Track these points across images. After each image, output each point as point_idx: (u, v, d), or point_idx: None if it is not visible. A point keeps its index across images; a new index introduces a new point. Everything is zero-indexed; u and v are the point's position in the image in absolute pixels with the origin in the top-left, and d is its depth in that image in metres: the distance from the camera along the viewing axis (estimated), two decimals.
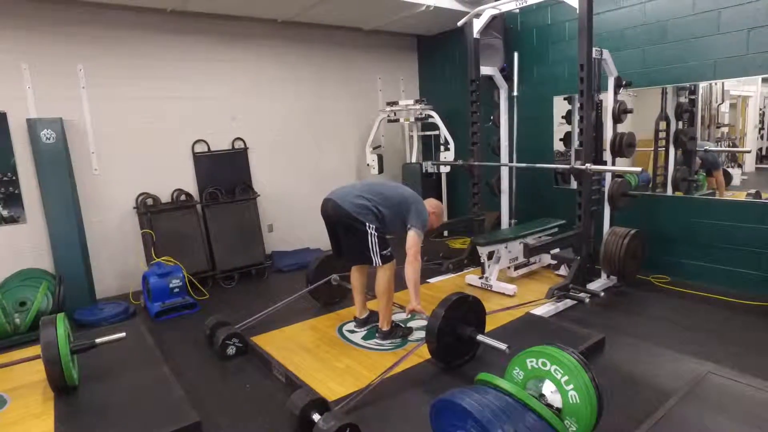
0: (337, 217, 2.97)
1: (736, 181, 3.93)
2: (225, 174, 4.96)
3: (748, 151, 3.84)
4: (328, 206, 3.02)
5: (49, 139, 3.90)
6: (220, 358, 3.04)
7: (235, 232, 4.80)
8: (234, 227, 4.81)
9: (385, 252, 2.93)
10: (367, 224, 2.89)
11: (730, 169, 3.98)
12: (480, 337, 2.69)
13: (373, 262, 2.95)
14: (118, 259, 4.47)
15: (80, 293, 4.02)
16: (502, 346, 2.52)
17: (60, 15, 4.05)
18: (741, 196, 3.85)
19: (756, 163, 3.81)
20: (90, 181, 4.30)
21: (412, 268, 2.90)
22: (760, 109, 3.70)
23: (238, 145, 5.09)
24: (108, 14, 4.23)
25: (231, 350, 3.05)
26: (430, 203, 3.28)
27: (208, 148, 4.90)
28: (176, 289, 3.92)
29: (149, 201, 4.53)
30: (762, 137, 3.76)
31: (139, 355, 3.03)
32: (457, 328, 2.69)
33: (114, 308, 3.89)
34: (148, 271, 4.00)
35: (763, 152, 3.77)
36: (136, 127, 4.49)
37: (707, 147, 4.06)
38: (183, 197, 4.71)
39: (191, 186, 4.82)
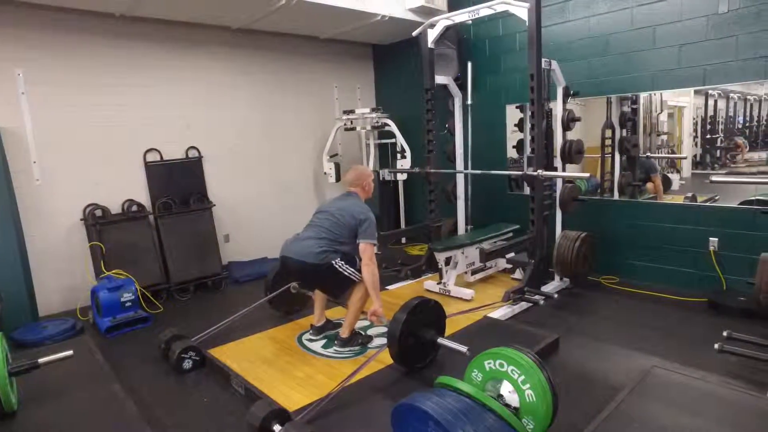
0: (302, 273, 3.06)
1: (675, 185, 4.19)
2: (179, 183, 4.83)
3: (684, 158, 4.10)
4: (289, 264, 3.05)
5: None
6: (176, 372, 2.95)
7: (189, 243, 4.67)
8: (189, 238, 4.68)
9: (358, 267, 3.00)
10: (334, 262, 2.94)
11: (669, 175, 4.24)
12: (440, 340, 2.73)
13: (355, 282, 3.01)
14: (63, 274, 4.25)
15: (20, 311, 3.78)
16: (463, 348, 2.56)
17: None
18: (679, 200, 4.10)
19: (692, 169, 4.07)
20: (32, 192, 4.08)
21: (368, 271, 2.91)
22: (694, 119, 3.97)
23: (193, 153, 4.97)
24: (50, 16, 4.04)
25: (187, 364, 2.97)
26: (357, 175, 3.24)
27: (161, 157, 4.75)
28: (128, 303, 3.77)
29: (98, 212, 4.34)
30: (696, 145, 4.03)
31: (88, 374, 2.89)
32: (418, 331, 2.72)
33: (59, 325, 3.69)
34: (98, 285, 3.83)
35: (698, 158, 4.03)
36: (83, 135, 4.30)
37: (648, 154, 4.31)
38: (134, 208, 4.54)
39: (143, 196, 4.66)
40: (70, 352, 2.66)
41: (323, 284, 3.16)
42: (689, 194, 4.04)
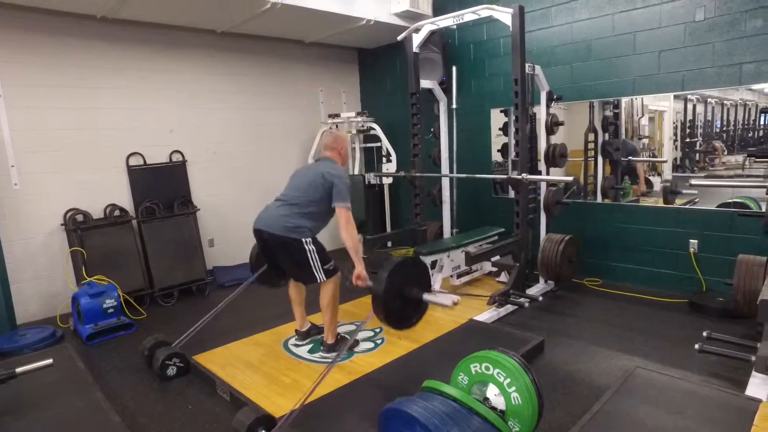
0: (274, 244, 2.95)
1: (656, 188, 4.26)
2: (163, 188, 4.77)
3: (665, 161, 4.18)
4: (262, 236, 2.98)
5: None
6: (160, 379, 2.91)
7: (173, 248, 4.61)
8: (173, 243, 4.63)
9: (327, 266, 2.93)
10: (304, 240, 2.86)
11: (650, 177, 4.31)
12: (426, 296, 2.64)
13: (317, 279, 2.93)
14: (43, 281, 4.17)
15: None
16: (448, 300, 2.51)
17: None
18: (660, 203, 4.17)
19: (672, 172, 4.15)
20: (9, 196, 4.00)
21: (347, 234, 2.84)
22: (674, 123, 4.05)
23: (176, 158, 4.92)
24: (29, 17, 3.98)
25: (171, 371, 2.93)
26: (334, 138, 3.18)
27: (144, 162, 4.69)
28: (110, 310, 3.71)
29: (79, 217, 4.27)
30: (676, 148, 4.11)
31: (68, 383, 2.83)
32: (403, 289, 2.61)
33: (38, 333, 3.62)
34: (79, 291, 3.76)
35: (678, 162, 4.11)
36: (64, 138, 4.23)
37: (630, 158, 4.39)
38: (117, 212, 4.47)
39: (126, 201, 4.60)
40: (49, 361, 2.59)
41: (289, 261, 3.01)
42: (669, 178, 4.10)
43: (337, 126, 5.71)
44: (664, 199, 4.11)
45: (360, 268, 2.86)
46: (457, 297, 2.49)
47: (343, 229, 2.86)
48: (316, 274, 2.90)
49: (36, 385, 2.74)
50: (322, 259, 2.91)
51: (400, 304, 2.62)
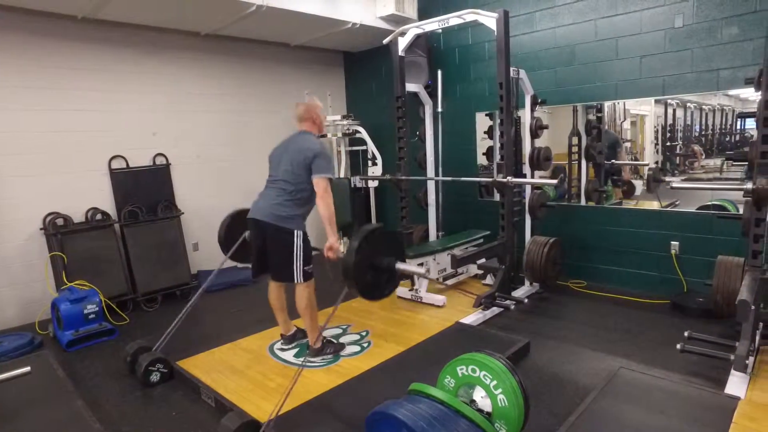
0: (264, 233, 2.96)
1: (638, 191, 4.33)
2: (146, 191, 4.71)
3: (647, 164, 4.25)
4: (258, 225, 2.98)
5: None
6: (143, 386, 2.86)
7: (157, 252, 4.55)
8: (156, 247, 4.57)
9: (307, 268, 2.94)
10: (295, 231, 2.88)
11: (633, 180, 4.38)
12: (399, 265, 2.57)
13: (294, 279, 2.93)
14: (20, 286, 4.08)
15: None
16: (421, 269, 2.50)
17: None
18: (642, 205, 4.24)
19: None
20: None
21: (323, 203, 2.83)
22: (655, 127, 4.12)
23: (160, 161, 4.86)
24: (6, 17, 3.89)
25: (155, 377, 2.88)
26: (306, 108, 3.17)
27: (127, 165, 4.63)
28: (92, 315, 3.64)
29: (59, 221, 4.18)
30: (657, 151, 4.18)
31: (47, 391, 2.77)
32: (375, 259, 2.53)
33: (15, 340, 3.53)
34: (59, 297, 3.68)
35: (659, 165, 4.18)
36: (43, 141, 4.15)
37: (613, 161, 4.45)
38: (99, 216, 4.40)
39: (108, 204, 4.52)
40: (27, 369, 2.51)
41: (275, 251, 2.97)
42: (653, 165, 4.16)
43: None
44: (647, 188, 4.18)
45: (333, 240, 2.85)
46: (424, 269, 2.45)
47: (319, 198, 2.84)
48: (295, 273, 2.91)
49: (13, 394, 2.67)
50: (305, 258, 2.92)
51: (372, 274, 2.53)
